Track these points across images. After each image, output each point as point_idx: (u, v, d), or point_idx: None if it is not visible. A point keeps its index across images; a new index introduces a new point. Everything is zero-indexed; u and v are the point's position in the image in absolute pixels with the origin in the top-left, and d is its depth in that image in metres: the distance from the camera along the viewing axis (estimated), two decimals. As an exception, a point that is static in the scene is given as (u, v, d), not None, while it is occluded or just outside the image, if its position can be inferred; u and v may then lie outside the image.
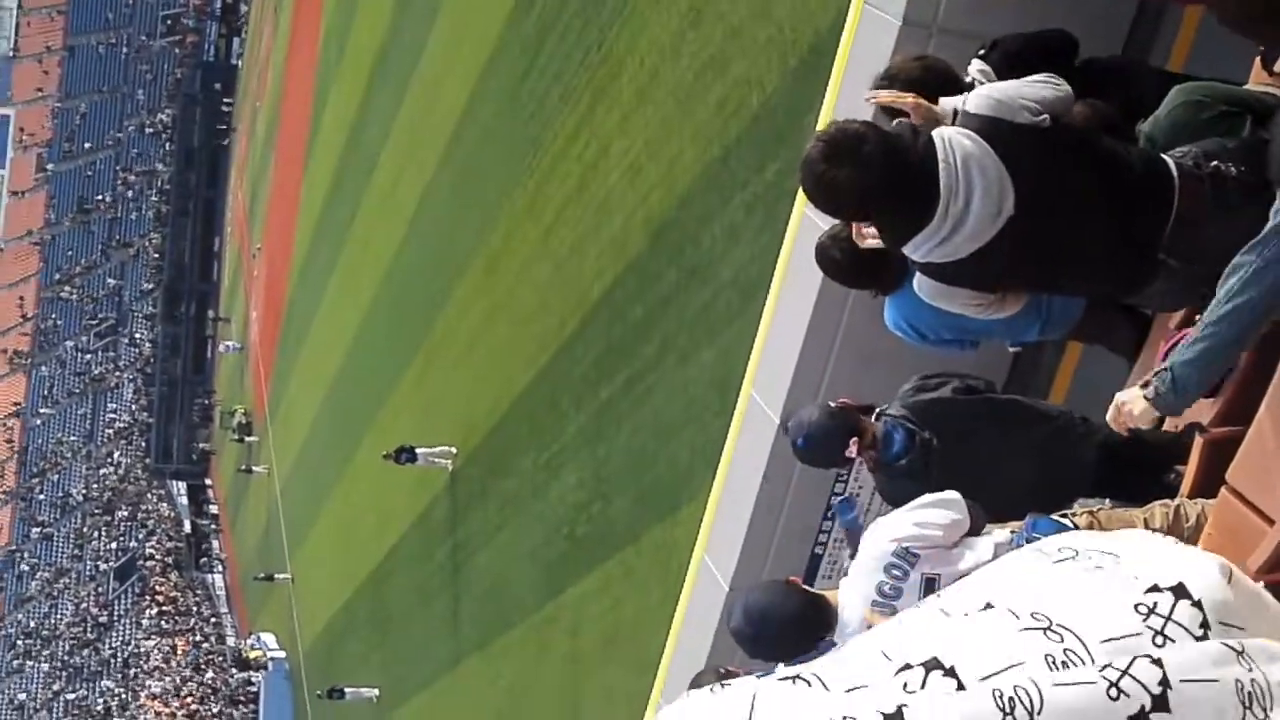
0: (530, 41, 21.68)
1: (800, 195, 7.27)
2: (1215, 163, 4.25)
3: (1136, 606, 2.28)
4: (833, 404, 5.41)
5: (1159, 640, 2.24)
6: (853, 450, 5.30)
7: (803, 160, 4.28)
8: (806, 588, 4.68)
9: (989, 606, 2.39)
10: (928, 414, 5.34)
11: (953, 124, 4.34)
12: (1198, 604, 2.29)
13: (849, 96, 6.93)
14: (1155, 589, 2.29)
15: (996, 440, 5.37)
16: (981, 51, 5.03)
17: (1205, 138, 4.43)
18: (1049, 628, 2.25)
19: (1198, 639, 2.26)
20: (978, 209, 4.21)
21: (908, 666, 2.26)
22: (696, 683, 5.39)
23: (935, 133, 4.25)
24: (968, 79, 4.86)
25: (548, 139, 20.46)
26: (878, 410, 5.50)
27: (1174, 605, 2.28)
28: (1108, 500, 5.41)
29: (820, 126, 6.60)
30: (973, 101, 4.31)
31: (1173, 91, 4.71)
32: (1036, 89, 4.32)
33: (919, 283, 4.70)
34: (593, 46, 18.63)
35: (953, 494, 4.61)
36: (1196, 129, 4.53)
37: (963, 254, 4.34)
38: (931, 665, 2.24)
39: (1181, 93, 4.69)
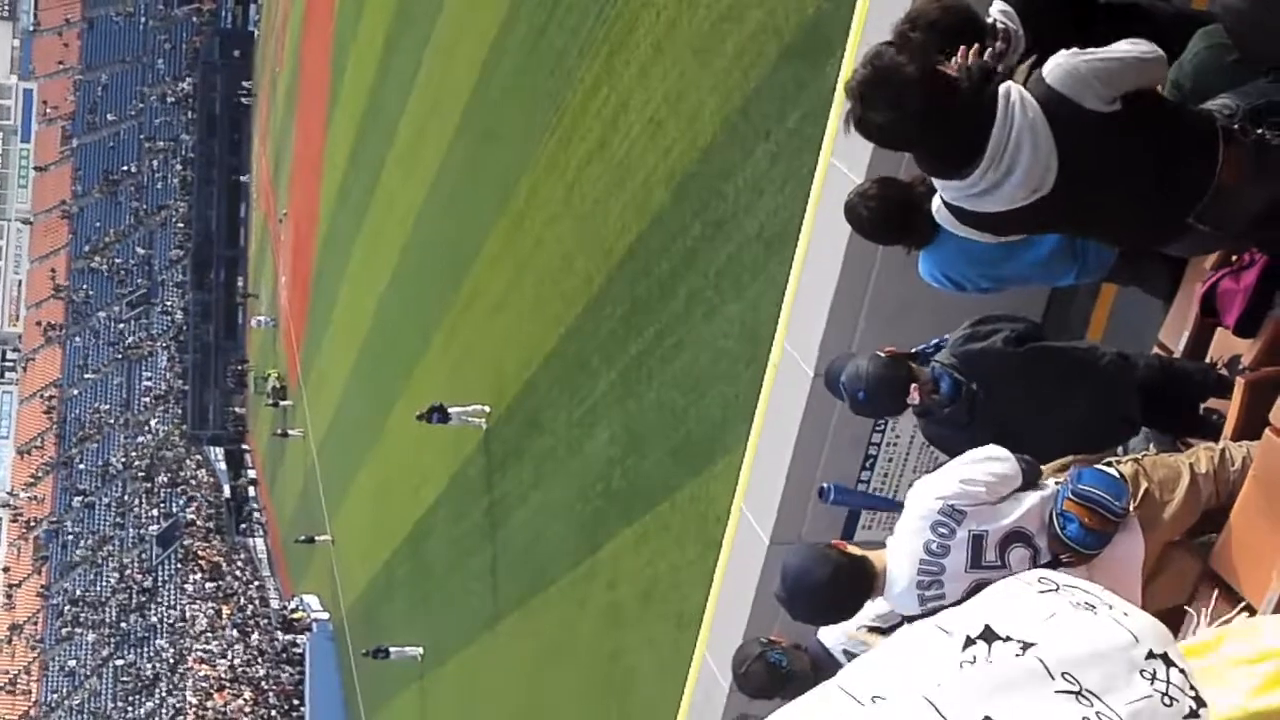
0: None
1: (825, 143, 7.23)
2: (1261, 130, 4.15)
3: (1142, 672, 2.48)
4: (882, 353, 5.35)
5: (1167, 701, 2.47)
6: (914, 397, 5.26)
7: (845, 87, 4.22)
8: (850, 549, 4.62)
9: (1003, 638, 2.52)
10: (976, 365, 5.28)
11: (1024, 82, 4.22)
12: (1182, 671, 2.53)
13: (870, 40, 6.82)
14: (1151, 655, 2.50)
15: (1044, 391, 5.32)
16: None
17: (1236, 82, 4.33)
18: (1079, 693, 2.42)
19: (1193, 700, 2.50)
20: (1017, 180, 4.18)
21: None
22: (741, 655, 5.37)
23: (1004, 89, 4.15)
24: (989, 19, 4.75)
25: (567, 95, 20.34)
26: (920, 354, 5.45)
27: (1168, 671, 2.51)
28: (1151, 446, 5.36)
29: (847, 67, 6.52)
30: (1049, 69, 4.15)
31: (1196, 35, 4.61)
32: (1119, 62, 4.12)
33: (936, 207, 4.64)
34: (609, 0, 18.50)
35: (1000, 450, 4.55)
36: (1223, 73, 4.44)
37: (988, 209, 4.34)
38: None
39: (1205, 36, 4.59)
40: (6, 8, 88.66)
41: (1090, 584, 2.73)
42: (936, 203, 4.60)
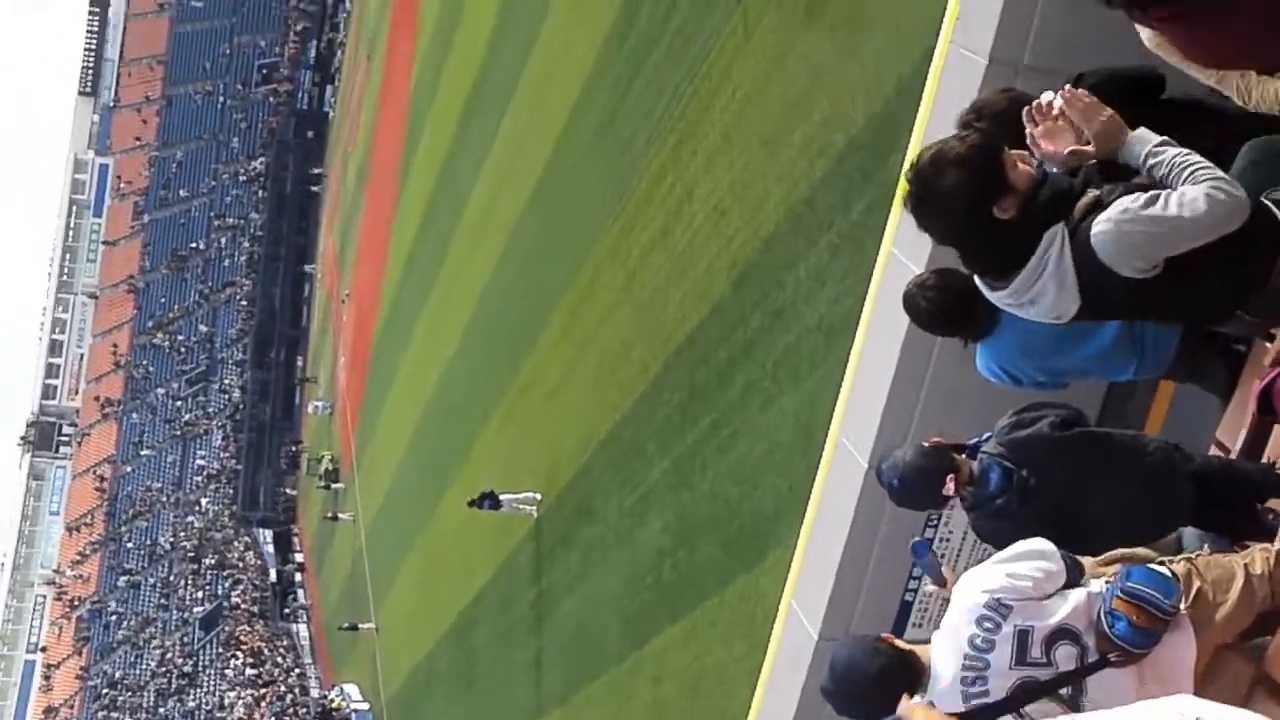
0: (619, 84, 21.79)
1: (887, 233, 7.21)
2: None
3: None
4: (926, 443, 5.30)
5: None
6: (950, 489, 5.19)
7: (905, 176, 4.31)
8: (897, 643, 4.56)
9: None
10: (1024, 451, 5.22)
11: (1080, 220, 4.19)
12: None
13: (935, 134, 6.81)
14: None
15: (1094, 476, 5.23)
16: (1067, 85, 4.87)
17: None
18: None
19: None
20: (1038, 310, 4.33)
21: None
22: None
23: (1050, 234, 4.18)
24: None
25: (634, 182, 20.50)
26: (971, 446, 5.38)
27: None
28: (1205, 546, 5.24)
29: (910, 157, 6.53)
30: (1096, 230, 4.11)
31: (1243, 150, 4.52)
32: (1171, 229, 4.03)
33: None
34: (679, 89, 18.67)
35: (1047, 544, 4.49)
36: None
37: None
38: None
39: (1252, 151, 4.51)
40: (88, 84, 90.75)
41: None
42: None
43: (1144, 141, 4.16)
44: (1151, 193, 4.07)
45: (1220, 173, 4.05)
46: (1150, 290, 4.14)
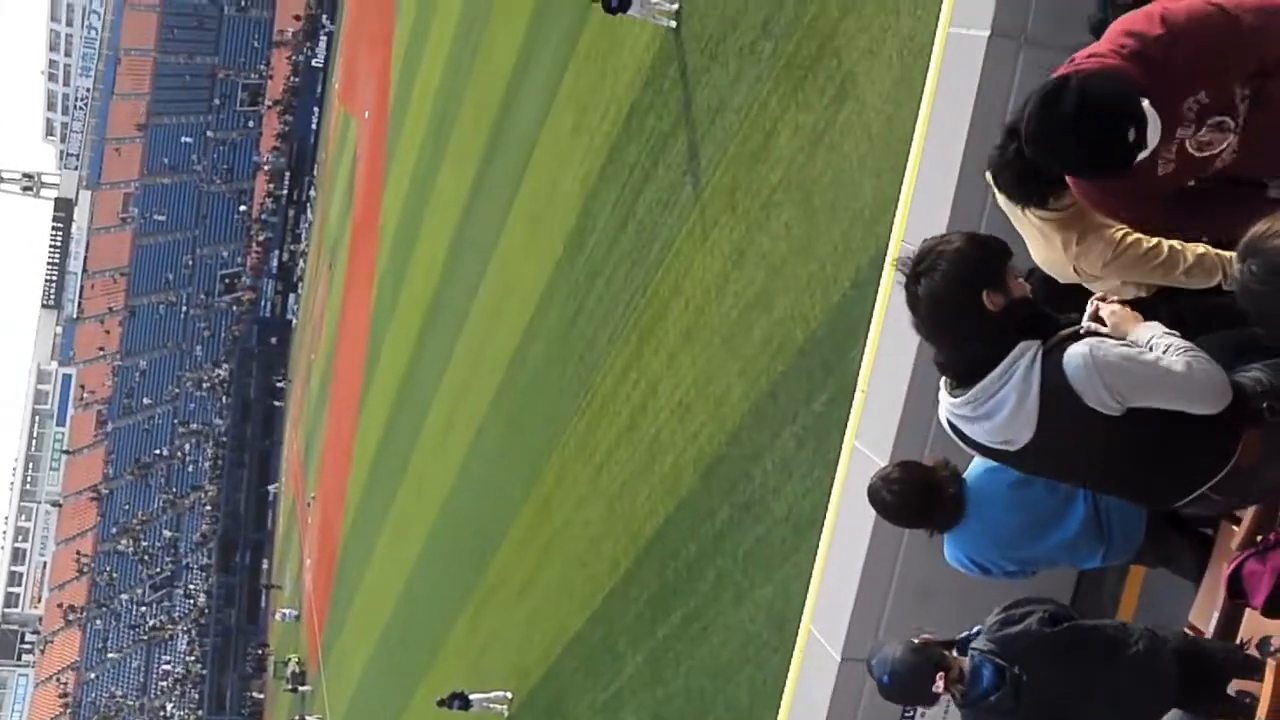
0: (579, 287, 22.10)
1: (850, 427, 7.35)
2: None
3: None
4: (915, 640, 5.32)
5: None
6: (939, 686, 5.20)
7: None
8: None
9: None
10: (1015, 648, 5.24)
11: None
12: None
13: (892, 331, 7.00)
14: None
15: (1086, 670, 5.26)
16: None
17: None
18: None
19: None
20: (991, 427, 4.39)
21: None
22: None
23: (1021, 346, 4.29)
24: None
25: (597, 380, 20.67)
26: (961, 641, 5.41)
27: None
28: (1182, 727, 5.27)
29: (871, 349, 6.72)
30: (1069, 355, 4.25)
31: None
32: (1151, 376, 4.21)
33: (942, 419, 4.75)
34: (639, 289, 18.96)
35: None
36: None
37: (971, 436, 4.53)
38: None
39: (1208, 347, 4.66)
40: (51, 297, 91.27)
41: None
42: (942, 415, 4.68)
43: (1153, 328, 4.37)
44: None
45: (1211, 360, 4.23)
46: (1108, 438, 4.25)
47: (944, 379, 4.54)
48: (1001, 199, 4.95)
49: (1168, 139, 4.00)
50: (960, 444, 4.71)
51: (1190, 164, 4.11)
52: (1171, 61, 3.99)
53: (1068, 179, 4.33)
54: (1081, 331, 4.37)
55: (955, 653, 5.35)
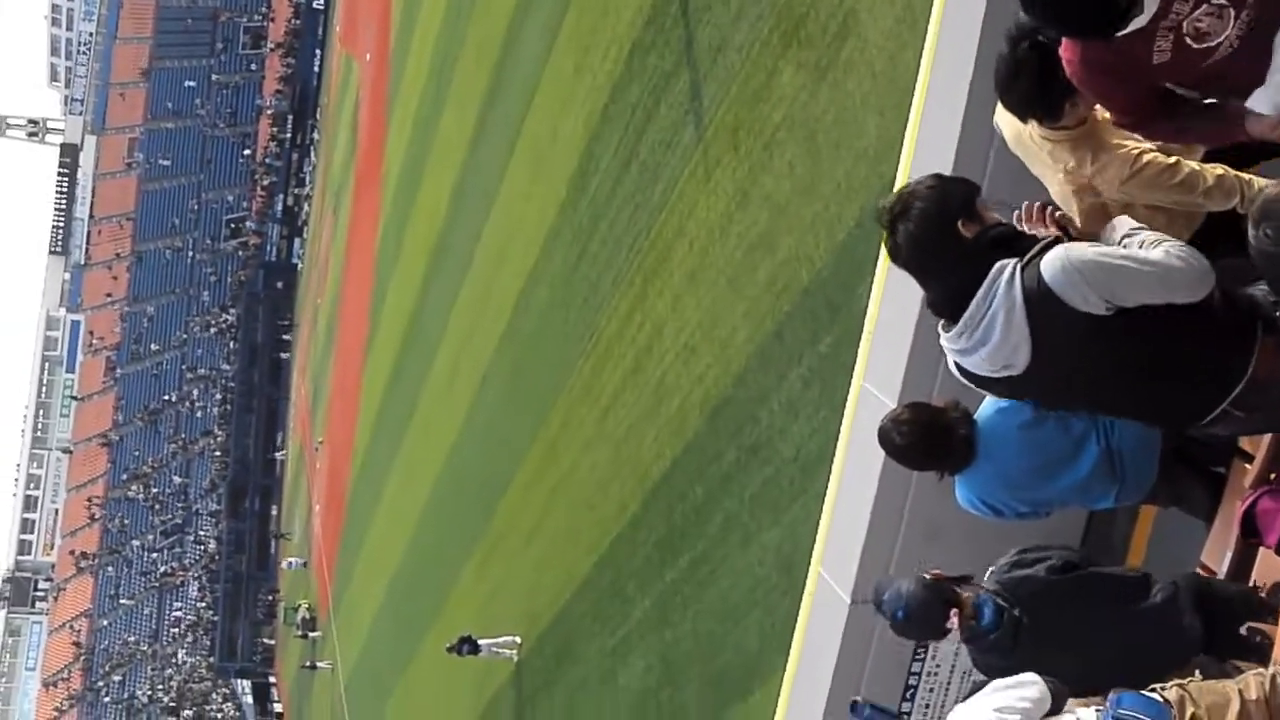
0: (583, 229, 21.97)
1: (858, 367, 7.25)
2: None
3: None
4: (927, 575, 5.28)
5: None
6: (953, 621, 5.16)
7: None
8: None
9: None
10: (1020, 591, 5.21)
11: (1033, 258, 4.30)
12: None
13: (898, 270, 6.89)
14: None
15: (1088, 620, 5.20)
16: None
17: None
18: None
19: None
20: (985, 354, 4.37)
21: None
22: None
23: (999, 265, 4.28)
24: None
25: (601, 323, 20.59)
26: (973, 580, 5.37)
27: None
28: (1197, 672, 5.19)
29: (878, 290, 6.64)
30: (1047, 261, 4.24)
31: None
32: (1133, 271, 4.18)
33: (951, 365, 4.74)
34: (643, 231, 18.84)
35: (1029, 674, 4.44)
36: None
37: (972, 370, 4.53)
38: None
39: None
40: (58, 244, 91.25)
41: None
42: (949, 360, 4.66)
43: (1125, 222, 4.37)
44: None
45: (1191, 249, 4.18)
46: (1110, 348, 4.22)
47: (940, 321, 4.51)
48: (1010, 135, 4.87)
49: (1164, 14, 3.89)
50: (969, 384, 4.68)
51: (1186, 56, 3.99)
52: None
53: (1063, 55, 4.20)
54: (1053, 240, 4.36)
55: (967, 591, 5.32)
